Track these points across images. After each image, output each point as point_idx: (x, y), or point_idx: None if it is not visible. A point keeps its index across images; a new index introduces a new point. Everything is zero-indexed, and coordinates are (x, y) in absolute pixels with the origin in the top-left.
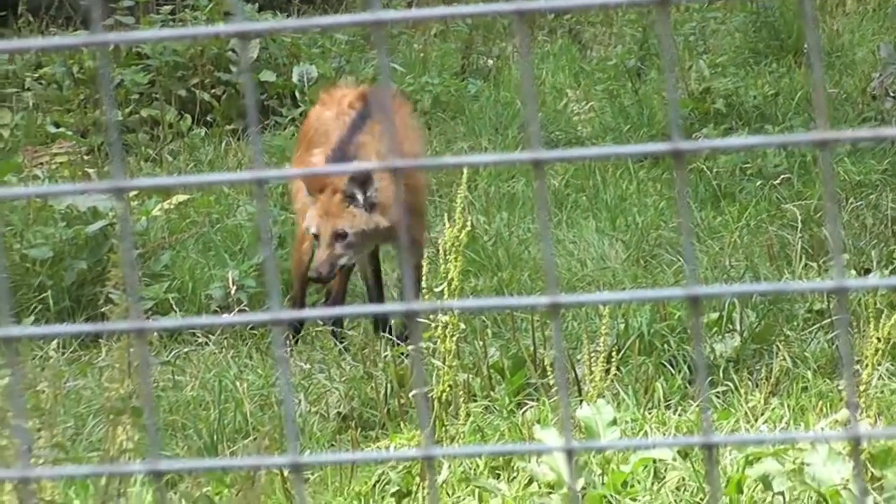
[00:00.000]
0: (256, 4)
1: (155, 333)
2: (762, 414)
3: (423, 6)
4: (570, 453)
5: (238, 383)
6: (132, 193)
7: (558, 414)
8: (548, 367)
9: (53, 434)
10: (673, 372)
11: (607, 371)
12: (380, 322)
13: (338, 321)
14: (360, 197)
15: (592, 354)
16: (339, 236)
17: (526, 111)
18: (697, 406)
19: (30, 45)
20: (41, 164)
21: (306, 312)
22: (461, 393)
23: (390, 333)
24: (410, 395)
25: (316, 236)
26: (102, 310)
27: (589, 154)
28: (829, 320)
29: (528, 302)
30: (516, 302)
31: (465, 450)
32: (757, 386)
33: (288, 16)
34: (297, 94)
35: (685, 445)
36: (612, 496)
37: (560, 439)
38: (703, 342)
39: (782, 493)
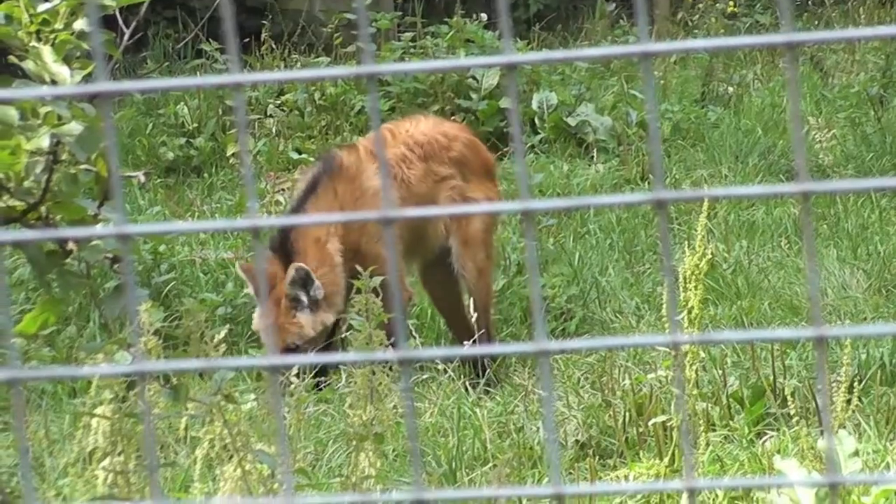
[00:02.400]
0: (498, 31)
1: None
2: None
3: (663, 36)
4: (833, 486)
5: (477, 410)
6: None
7: (799, 444)
8: (788, 397)
9: (296, 459)
10: None
11: (848, 401)
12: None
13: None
14: (304, 299)
15: (834, 384)
16: (290, 351)
17: (767, 139)
18: None
19: (278, 77)
20: (283, 189)
21: (574, 343)
22: (701, 422)
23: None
24: (651, 422)
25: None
26: (343, 336)
27: (853, 187)
28: None
29: (792, 335)
30: (781, 335)
31: (728, 482)
32: None
33: (528, 44)
34: (535, 120)
35: None
36: None
37: (801, 470)
38: None
39: None
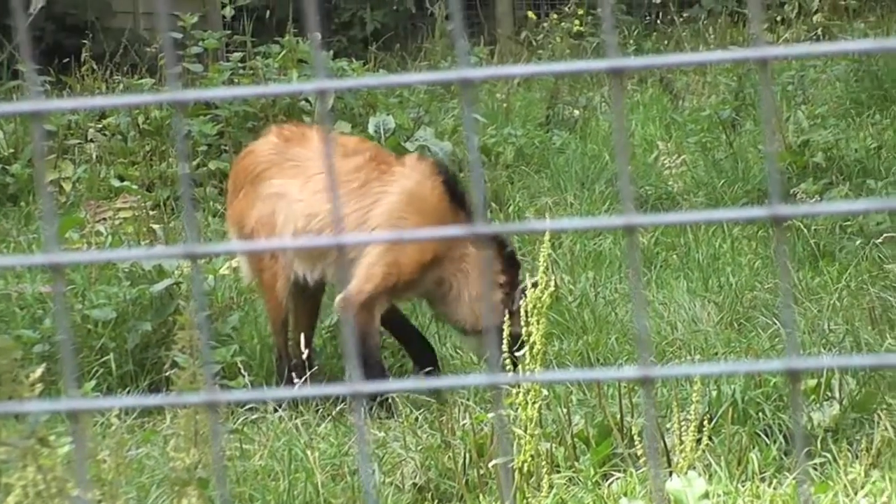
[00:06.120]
0: (331, 51)
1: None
2: (862, 487)
3: (506, 56)
4: None
5: (309, 452)
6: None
7: (646, 486)
8: (635, 437)
9: None
10: (768, 442)
11: (698, 441)
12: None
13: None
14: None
15: (683, 423)
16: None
17: (615, 165)
18: (794, 479)
19: (96, 104)
20: (104, 219)
21: (388, 385)
22: (544, 463)
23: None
24: (491, 464)
25: None
26: (167, 374)
27: (683, 219)
28: None
29: (616, 375)
30: (604, 374)
31: None
32: (857, 457)
33: (364, 64)
34: None
35: None
36: None
37: None
38: (800, 411)
39: None
